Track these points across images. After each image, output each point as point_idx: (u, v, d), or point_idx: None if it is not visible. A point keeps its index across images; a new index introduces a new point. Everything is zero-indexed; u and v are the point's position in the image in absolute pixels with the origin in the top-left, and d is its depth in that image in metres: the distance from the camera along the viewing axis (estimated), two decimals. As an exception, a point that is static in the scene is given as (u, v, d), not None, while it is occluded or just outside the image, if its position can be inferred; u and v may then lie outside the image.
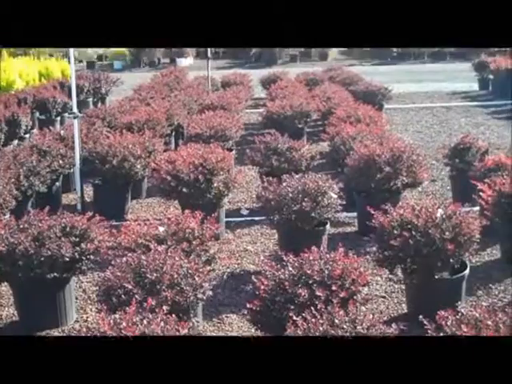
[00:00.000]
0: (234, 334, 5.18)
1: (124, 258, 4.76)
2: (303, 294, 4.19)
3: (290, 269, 4.47)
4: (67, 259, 5.10)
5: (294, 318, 3.87)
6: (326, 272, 4.37)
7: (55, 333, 5.26)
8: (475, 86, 19.62)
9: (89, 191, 8.78)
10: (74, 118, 8.38)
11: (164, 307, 4.06)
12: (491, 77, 18.72)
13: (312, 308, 3.92)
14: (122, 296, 4.36)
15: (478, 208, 6.78)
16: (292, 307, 4.13)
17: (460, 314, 3.69)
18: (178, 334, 3.70)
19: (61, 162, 8.39)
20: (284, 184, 6.38)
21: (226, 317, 5.47)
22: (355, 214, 7.49)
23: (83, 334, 3.70)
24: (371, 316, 3.86)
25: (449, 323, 3.61)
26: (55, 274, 5.12)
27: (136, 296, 4.28)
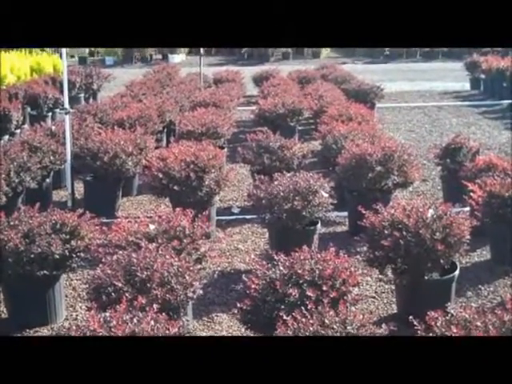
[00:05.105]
0: (224, 333, 5.18)
1: (114, 256, 4.74)
2: (294, 293, 4.19)
3: (281, 268, 4.46)
4: (57, 256, 5.09)
5: (285, 317, 3.87)
6: (317, 272, 4.36)
7: (44, 330, 5.24)
8: (467, 86, 19.66)
9: (79, 188, 8.75)
10: (66, 113, 8.34)
11: (154, 306, 4.05)
12: (483, 76, 18.77)
13: (302, 308, 3.92)
14: (112, 294, 4.34)
15: (468, 208, 6.80)
16: (282, 307, 4.13)
17: (450, 315, 3.70)
18: (168, 333, 3.69)
19: (52, 158, 8.36)
20: (275, 182, 6.37)
21: (216, 316, 5.46)
22: (346, 213, 7.49)
23: (74, 334, 3.68)
24: (361, 316, 3.87)
25: (438, 324, 3.63)
26: (45, 271, 5.10)
27: (126, 294, 4.26)
